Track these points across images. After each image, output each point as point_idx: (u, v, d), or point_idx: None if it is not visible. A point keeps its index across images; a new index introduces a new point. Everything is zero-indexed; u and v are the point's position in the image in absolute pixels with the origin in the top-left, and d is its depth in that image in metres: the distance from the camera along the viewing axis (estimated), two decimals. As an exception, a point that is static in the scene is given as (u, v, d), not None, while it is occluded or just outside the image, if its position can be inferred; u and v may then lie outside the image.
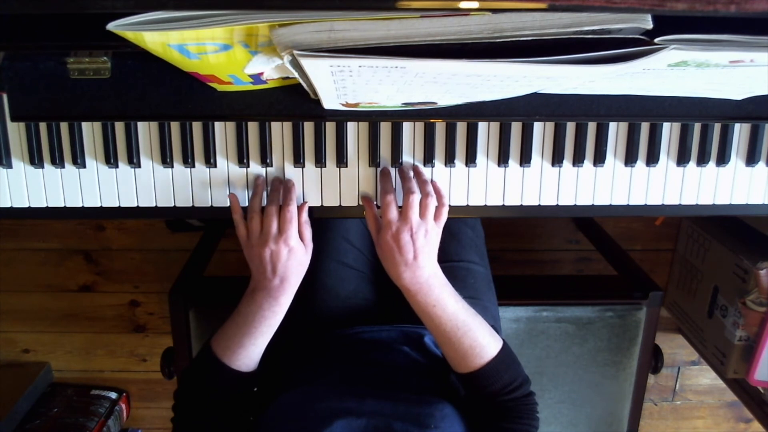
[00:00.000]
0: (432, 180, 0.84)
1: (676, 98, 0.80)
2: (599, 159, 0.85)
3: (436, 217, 0.79)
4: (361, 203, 0.86)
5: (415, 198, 0.78)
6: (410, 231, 0.77)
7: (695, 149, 0.86)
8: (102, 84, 0.77)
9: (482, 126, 0.84)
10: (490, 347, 0.79)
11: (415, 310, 0.80)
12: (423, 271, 0.77)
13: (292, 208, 0.79)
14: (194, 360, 0.83)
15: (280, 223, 0.79)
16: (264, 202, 0.83)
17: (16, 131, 0.82)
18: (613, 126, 0.85)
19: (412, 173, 0.83)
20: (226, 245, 1.71)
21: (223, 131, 0.83)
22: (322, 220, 0.84)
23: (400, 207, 0.79)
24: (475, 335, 0.78)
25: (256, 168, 0.84)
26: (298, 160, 0.83)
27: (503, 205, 0.87)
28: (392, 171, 0.84)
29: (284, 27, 0.54)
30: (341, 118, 0.80)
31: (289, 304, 0.80)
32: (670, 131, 0.86)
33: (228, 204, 0.84)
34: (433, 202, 0.79)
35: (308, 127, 0.83)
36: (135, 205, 0.84)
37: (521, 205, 0.87)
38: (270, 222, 0.78)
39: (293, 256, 0.79)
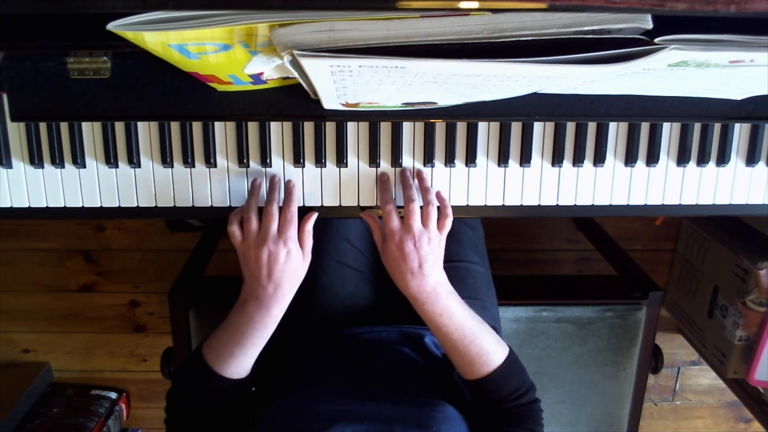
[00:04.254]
0: (438, 191, 0.84)
1: (676, 98, 0.80)
2: (599, 159, 0.85)
3: (440, 227, 0.79)
4: (361, 204, 0.86)
5: (416, 206, 0.78)
6: (413, 239, 0.77)
7: (695, 149, 0.86)
8: (102, 84, 0.77)
9: (482, 126, 0.84)
10: (497, 355, 0.79)
11: (422, 318, 0.80)
12: (429, 279, 0.77)
13: (293, 209, 0.78)
14: (185, 366, 0.81)
15: (280, 223, 0.77)
16: (262, 203, 0.82)
17: (16, 131, 0.82)
18: (613, 126, 0.85)
19: (412, 180, 0.83)
20: (226, 245, 1.69)
21: (223, 131, 0.83)
22: (323, 220, 0.84)
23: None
24: (482, 343, 0.78)
25: (256, 168, 0.84)
26: (298, 160, 0.83)
27: (503, 205, 0.87)
28: (391, 177, 0.84)
29: (284, 27, 0.54)
30: (341, 118, 0.80)
31: (281, 315, 0.78)
32: (670, 131, 0.86)
33: (228, 204, 0.84)
34: (434, 209, 0.79)
35: (308, 127, 0.83)
36: (135, 205, 0.84)
37: (521, 205, 0.87)
38: (269, 222, 0.76)
39: (290, 260, 0.77)
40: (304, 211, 0.82)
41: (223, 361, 0.77)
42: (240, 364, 0.77)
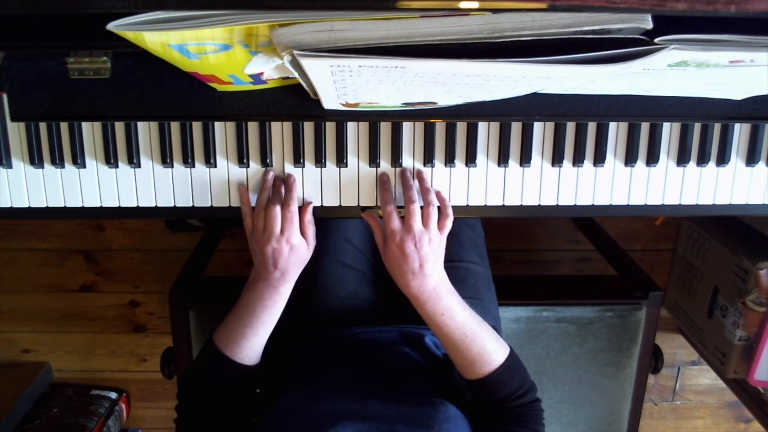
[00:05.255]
0: (438, 191, 0.84)
1: (676, 98, 0.80)
2: (599, 159, 0.85)
3: (440, 227, 0.79)
4: (361, 204, 0.86)
5: (416, 206, 0.78)
6: (414, 239, 0.77)
7: (695, 149, 0.86)
8: (102, 84, 0.77)
9: (482, 126, 0.84)
10: (498, 354, 0.79)
11: (423, 318, 0.81)
12: (430, 279, 0.78)
13: (293, 209, 0.79)
14: (197, 356, 0.84)
15: (281, 222, 0.79)
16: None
17: (16, 131, 0.82)
18: (613, 126, 0.85)
19: (412, 180, 0.83)
20: (226, 245, 1.71)
21: (223, 131, 0.83)
22: (323, 221, 0.84)
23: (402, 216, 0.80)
24: (483, 343, 0.79)
25: (256, 168, 0.84)
26: (298, 160, 0.83)
27: (503, 205, 0.87)
28: (392, 178, 0.84)
29: (284, 27, 0.54)
30: (341, 118, 0.80)
31: (289, 293, 0.82)
32: (670, 131, 0.86)
33: (228, 204, 0.84)
34: (434, 210, 0.79)
35: (308, 127, 0.83)
36: (135, 205, 0.84)
37: (521, 205, 0.87)
38: (273, 221, 0.78)
39: (294, 253, 0.80)
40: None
41: (234, 343, 0.79)
42: (251, 347, 0.79)
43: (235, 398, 0.80)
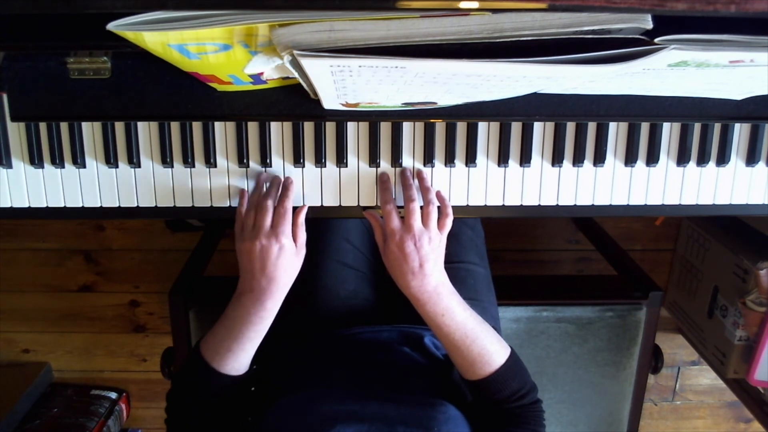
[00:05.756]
0: (438, 191, 0.84)
1: (676, 98, 0.80)
2: (599, 159, 0.85)
3: (440, 226, 0.79)
4: (361, 204, 0.86)
5: (416, 205, 0.78)
6: (413, 239, 0.77)
7: (695, 149, 0.86)
8: (102, 84, 0.77)
9: (482, 126, 0.84)
10: (499, 355, 0.79)
11: (424, 319, 0.80)
12: (430, 279, 0.77)
13: (287, 205, 0.78)
14: (184, 364, 0.82)
15: (273, 218, 0.77)
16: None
17: (16, 131, 0.82)
18: (613, 126, 0.85)
19: (412, 180, 0.83)
20: (226, 245, 1.71)
21: (223, 131, 0.83)
22: (323, 221, 0.84)
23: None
24: (484, 343, 0.78)
25: (256, 168, 0.84)
26: (298, 160, 0.83)
27: (503, 205, 0.87)
28: (391, 177, 0.84)
29: (284, 27, 0.54)
30: (341, 118, 0.80)
31: (277, 310, 0.78)
32: (670, 131, 0.86)
33: (228, 204, 0.84)
34: (434, 209, 0.79)
35: (308, 127, 0.83)
36: (135, 205, 0.84)
37: (521, 205, 0.87)
38: (264, 216, 0.77)
39: (283, 255, 0.76)
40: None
41: (220, 357, 0.77)
42: (237, 359, 0.77)
43: (225, 403, 0.79)
